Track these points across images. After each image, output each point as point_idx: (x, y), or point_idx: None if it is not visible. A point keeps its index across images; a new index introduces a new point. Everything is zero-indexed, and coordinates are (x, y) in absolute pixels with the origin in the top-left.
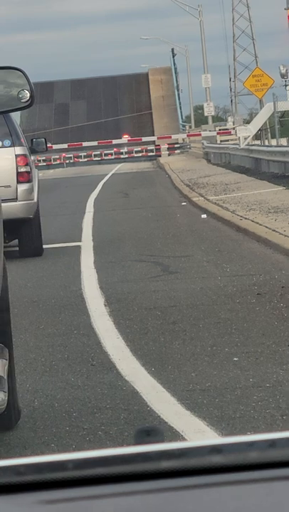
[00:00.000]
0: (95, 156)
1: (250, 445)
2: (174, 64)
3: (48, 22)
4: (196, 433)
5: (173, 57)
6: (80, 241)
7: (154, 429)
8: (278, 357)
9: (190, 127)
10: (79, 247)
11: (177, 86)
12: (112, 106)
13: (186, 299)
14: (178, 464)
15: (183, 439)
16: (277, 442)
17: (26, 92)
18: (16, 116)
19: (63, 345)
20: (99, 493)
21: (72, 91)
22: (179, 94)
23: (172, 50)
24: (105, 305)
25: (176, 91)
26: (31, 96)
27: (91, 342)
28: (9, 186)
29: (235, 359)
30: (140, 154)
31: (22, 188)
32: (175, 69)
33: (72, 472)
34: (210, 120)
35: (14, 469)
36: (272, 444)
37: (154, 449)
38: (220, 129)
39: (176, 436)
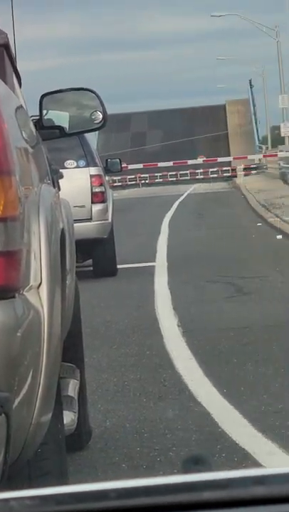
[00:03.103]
0: (171, 176)
1: None
2: (252, 94)
3: (129, 43)
4: (269, 455)
5: (251, 88)
6: (154, 261)
7: (201, 457)
8: None
9: (267, 148)
10: (153, 267)
11: (255, 116)
12: (188, 133)
13: (260, 321)
14: (221, 494)
15: (255, 461)
16: None
17: (99, 113)
18: (92, 141)
19: (136, 366)
20: None
21: (149, 121)
22: (256, 123)
23: (250, 81)
24: (178, 325)
25: (253, 117)
26: (104, 117)
27: (163, 363)
28: (84, 206)
29: None
30: (216, 175)
31: (96, 208)
32: (252, 99)
33: (114, 502)
34: (287, 141)
35: (55, 498)
36: None
37: (199, 478)
38: None
39: (248, 458)
